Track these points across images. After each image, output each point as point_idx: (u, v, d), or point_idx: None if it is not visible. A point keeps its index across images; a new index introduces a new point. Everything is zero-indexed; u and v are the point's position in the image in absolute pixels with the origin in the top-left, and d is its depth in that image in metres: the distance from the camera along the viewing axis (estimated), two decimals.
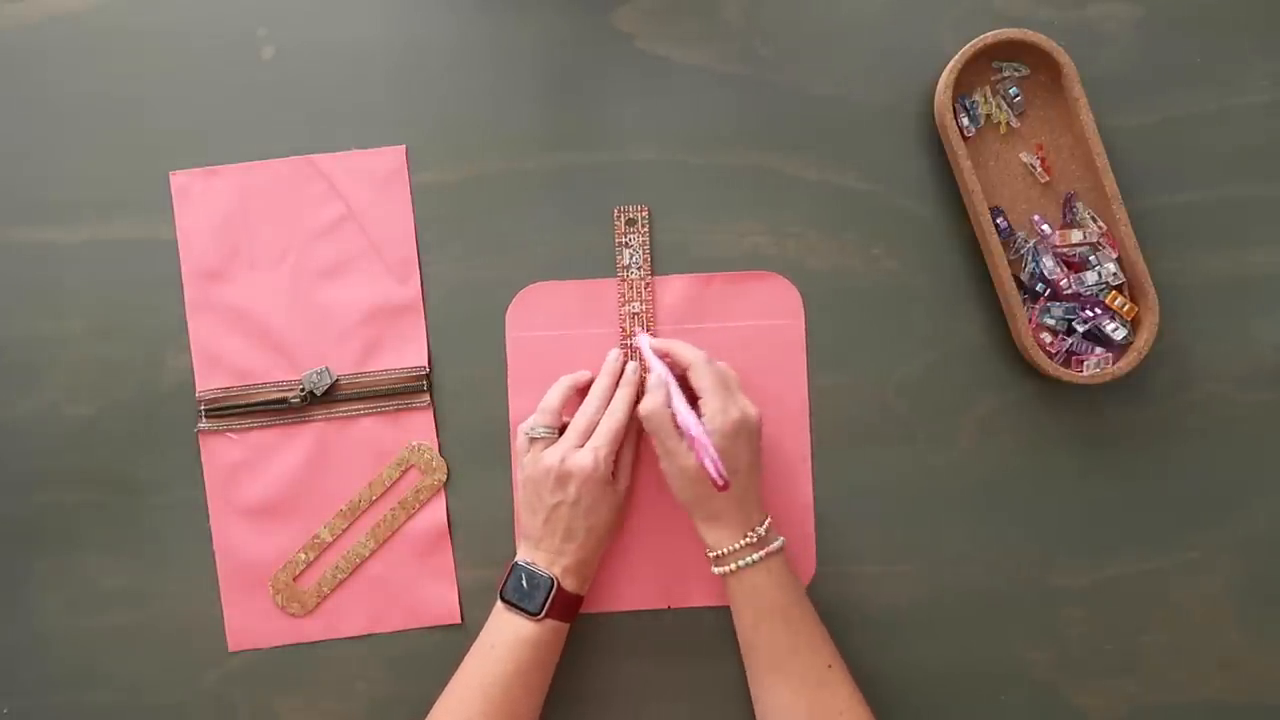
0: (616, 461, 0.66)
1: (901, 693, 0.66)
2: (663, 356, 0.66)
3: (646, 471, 0.70)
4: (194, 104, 0.72)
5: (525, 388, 0.71)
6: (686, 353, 0.65)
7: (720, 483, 0.58)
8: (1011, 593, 0.70)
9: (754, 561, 0.63)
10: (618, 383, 0.68)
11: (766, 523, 0.64)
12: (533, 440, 0.66)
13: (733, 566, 0.63)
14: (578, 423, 0.66)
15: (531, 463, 0.65)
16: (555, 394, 0.67)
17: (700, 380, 0.63)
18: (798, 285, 0.71)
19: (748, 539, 0.63)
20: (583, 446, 0.65)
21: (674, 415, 0.62)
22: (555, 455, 0.64)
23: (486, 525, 0.71)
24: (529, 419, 0.67)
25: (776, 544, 0.63)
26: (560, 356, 0.71)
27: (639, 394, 0.68)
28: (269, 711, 0.70)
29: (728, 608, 0.69)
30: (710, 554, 0.64)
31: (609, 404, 0.67)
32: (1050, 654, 0.70)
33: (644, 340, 0.68)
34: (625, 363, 0.69)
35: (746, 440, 0.63)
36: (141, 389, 0.71)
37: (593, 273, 0.71)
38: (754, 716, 0.66)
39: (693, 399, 0.64)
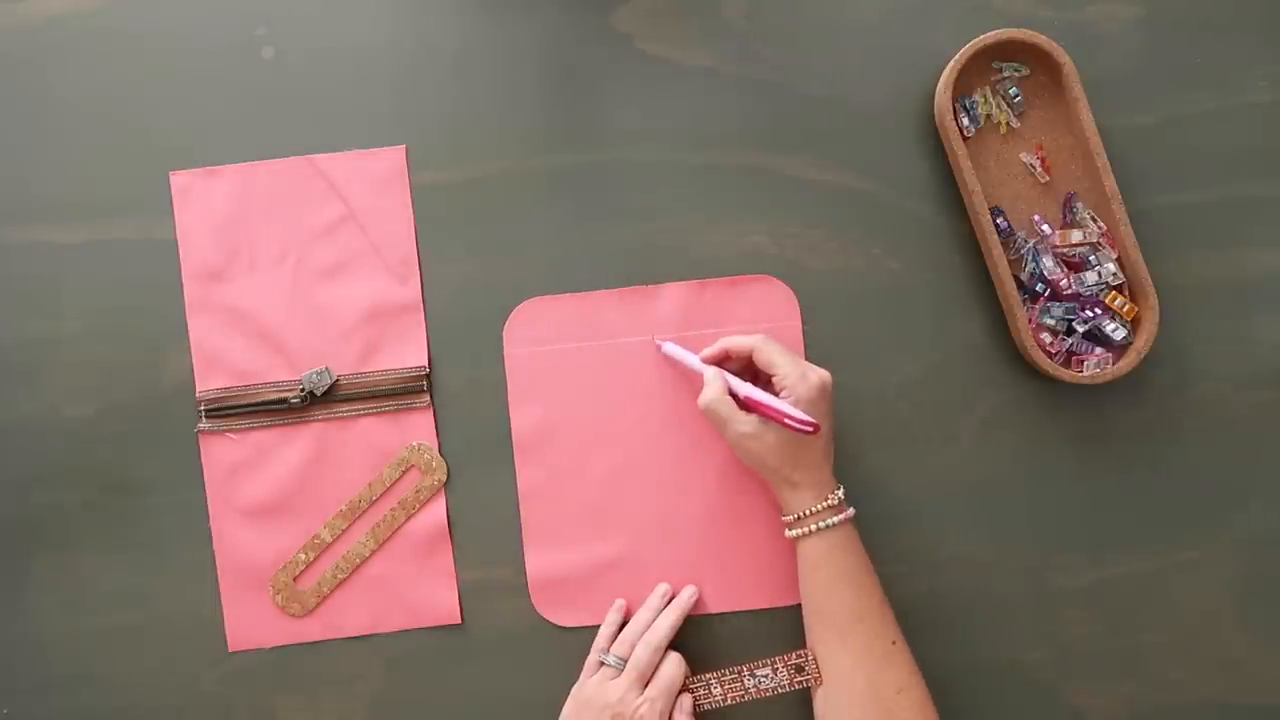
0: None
1: None
2: (724, 360, 0.67)
3: (658, 478, 0.70)
4: (194, 104, 0.72)
5: (525, 402, 0.71)
6: (743, 341, 0.65)
7: (810, 428, 0.61)
8: (1011, 593, 0.70)
9: (833, 524, 0.63)
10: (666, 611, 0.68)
11: (841, 490, 0.64)
12: (602, 664, 0.66)
13: (812, 528, 0.63)
14: (639, 661, 0.65)
15: (594, 687, 0.65)
16: (636, 625, 0.67)
17: (769, 356, 0.64)
18: (798, 285, 0.71)
19: (828, 502, 0.63)
20: (643, 690, 0.64)
21: (739, 398, 0.64)
22: (614, 694, 0.64)
23: (486, 525, 0.71)
24: (607, 640, 0.67)
25: (850, 511, 0.64)
26: (559, 371, 0.71)
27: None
28: (269, 711, 0.70)
29: (734, 614, 0.69)
30: (787, 517, 0.65)
31: (664, 639, 0.66)
32: (1050, 654, 0.70)
33: (671, 347, 0.69)
34: (670, 595, 0.70)
35: (827, 404, 0.64)
36: (141, 389, 0.71)
37: (593, 274, 0.71)
38: (756, 718, 0.67)
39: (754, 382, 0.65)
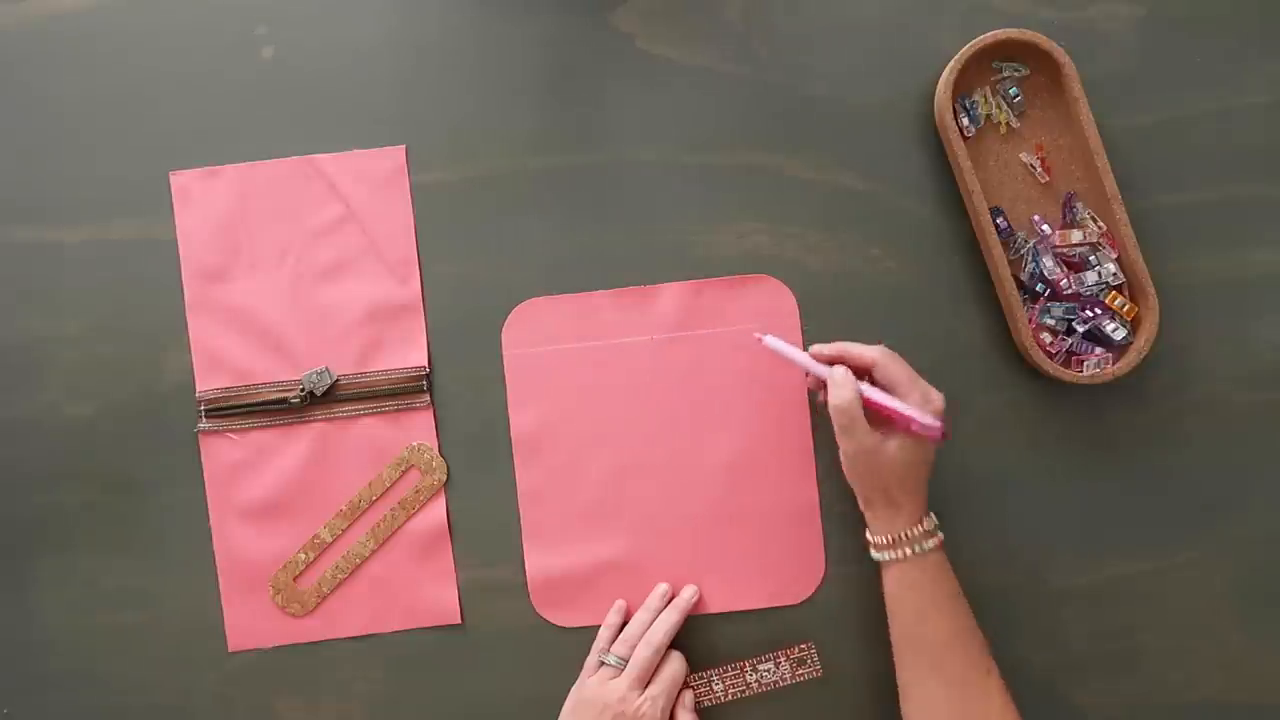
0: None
1: None
2: (837, 360, 0.64)
3: (658, 478, 0.71)
4: (194, 104, 0.72)
5: (525, 402, 0.71)
6: (865, 352, 0.63)
7: (937, 433, 0.60)
8: (1011, 593, 0.70)
9: (929, 550, 0.62)
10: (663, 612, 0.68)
11: (932, 515, 0.63)
12: (602, 663, 0.66)
13: (906, 552, 0.62)
14: (639, 660, 0.65)
15: (594, 687, 0.65)
16: (636, 626, 0.67)
17: (891, 374, 0.62)
18: (798, 285, 0.71)
19: (923, 526, 0.62)
20: (644, 689, 0.65)
21: (867, 402, 0.62)
22: (615, 693, 0.64)
23: (486, 525, 0.71)
24: (607, 641, 0.67)
25: (941, 536, 0.63)
26: (558, 371, 0.71)
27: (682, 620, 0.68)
28: (269, 711, 0.70)
29: (734, 614, 0.69)
30: (879, 539, 0.63)
31: (664, 639, 0.66)
32: (1050, 654, 0.70)
33: (775, 342, 0.66)
34: (670, 595, 0.70)
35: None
36: (141, 389, 0.71)
37: (592, 274, 0.71)
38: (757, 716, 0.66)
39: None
